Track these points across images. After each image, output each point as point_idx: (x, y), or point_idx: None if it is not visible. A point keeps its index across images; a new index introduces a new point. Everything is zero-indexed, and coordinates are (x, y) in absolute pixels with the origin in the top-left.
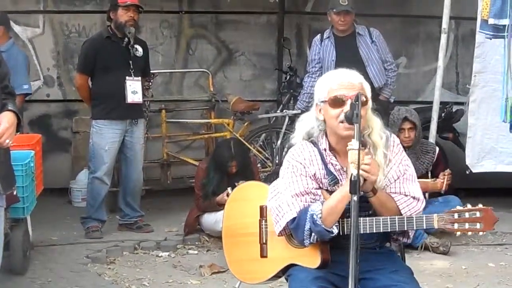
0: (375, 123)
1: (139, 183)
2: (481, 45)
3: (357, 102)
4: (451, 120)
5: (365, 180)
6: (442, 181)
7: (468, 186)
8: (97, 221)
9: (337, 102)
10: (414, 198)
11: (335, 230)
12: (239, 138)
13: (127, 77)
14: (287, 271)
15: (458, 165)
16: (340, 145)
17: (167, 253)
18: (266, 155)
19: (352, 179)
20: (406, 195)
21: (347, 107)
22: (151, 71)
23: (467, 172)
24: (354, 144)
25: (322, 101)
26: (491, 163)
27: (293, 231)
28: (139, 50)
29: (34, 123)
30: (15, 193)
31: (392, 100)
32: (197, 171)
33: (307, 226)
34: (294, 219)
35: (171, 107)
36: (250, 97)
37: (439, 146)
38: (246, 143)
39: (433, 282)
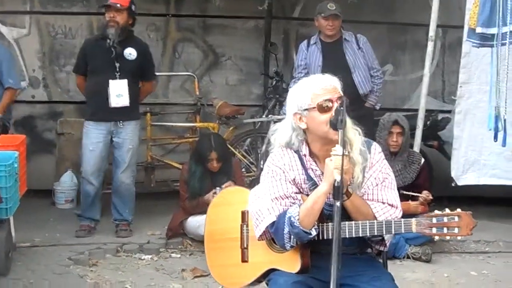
0: (348, 121)
1: (122, 184)
2: (466, 55)
3: (341, 108)
4: (437, 128)
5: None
6: (423, 205)
7: (452, 194)
8: (89, 220)
9: (325, 107)
10: (391, 205)
11: (314, 232)
12: (220, 135)
13: (110, 80)
14: (267, 275)
15: (442, 173)
16: (323, 151)
17: (150, 256)
18: (251, 160)
19: (336, 184)
20: (383, 203)
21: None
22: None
23: (453, 184)
24: (338, 149)
25: (306, 109)
26: (474, 175)
27: (274, 235)
28: (132, 53)
29: (18, 124)
30: None
31: (377, 107)
32: (181, 172)
33: (286, 229)
34: (273, 223)
35: (156, 110)
36: (236, 101)
37: (424, 154)
38: (231, 148)
39: None
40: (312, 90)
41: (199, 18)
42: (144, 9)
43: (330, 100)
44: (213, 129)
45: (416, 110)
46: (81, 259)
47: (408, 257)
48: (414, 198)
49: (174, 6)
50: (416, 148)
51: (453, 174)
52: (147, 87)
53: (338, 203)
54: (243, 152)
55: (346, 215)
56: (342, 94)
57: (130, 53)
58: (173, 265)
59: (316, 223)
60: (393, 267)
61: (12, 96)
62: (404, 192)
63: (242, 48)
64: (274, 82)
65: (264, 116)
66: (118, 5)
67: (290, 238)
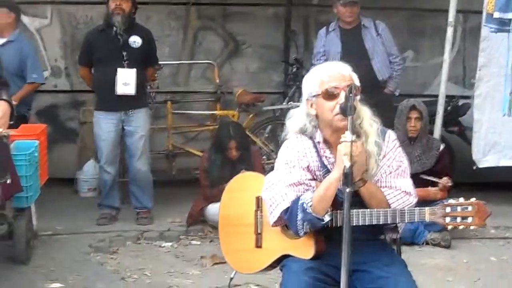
0: (365, 112)
1: (140, 172)
2: (485, 39)
3: (351, 94)
4: (457, 114)
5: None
6: (443, 191)
7: (474, 180)
8: (109, 207)
9: (330, 94)
10: (405, 192)
11: (326, 218)
12: (240, 123)
13: (118, 69)
14: (281, 261)
15: (464, 159)
16: (334, 137)
17: (170, 244)
18: (271, 148)
19: (345, 171)
20: (397, 189)
21: (341, 99)
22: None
23: (474, 168)
24: (348, 136)
25: (314, 95)
26: (495, 157)
27: (288, 222)
28: (137, 41)
29: (41, 114)
30: (8, 181)
31: (397, 94)
32: (201, 160)
33: (299, 216)
34: (287, 209)
35: (177, 98)
36: (257, 89)
37: (445, 140)
38: (251, 135)
39: (434, 275)
40: (320, 77)
41: (219, 6)
42: None
43: (336, 88)
44: (233, 117)
45: (437, 96)
46: (101, 246)
47: (427, 243)
48: (434, 184)
49: None
50: (437, 134)
51: (474, 157)
52: (150, 73)
53: (348, 189)
54: (264, 140)
55: (361, 202)
56: (353, 81)
57: (135, 40)
58: (192, 252)
59: (329, 209)
60: (412, 253)
61: (32, 89)
62: (424, 177)
63: (262, 35)
64: (294, 69)
65: (284, 103)
66: None
67: (303, 224)
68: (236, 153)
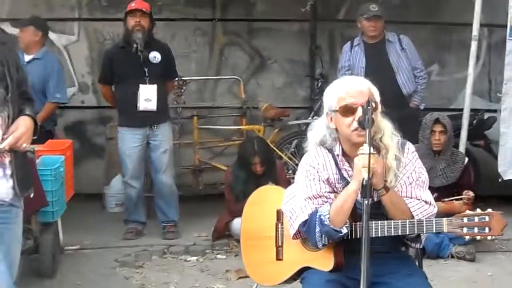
0: (386, 126)
1: (165, 186)
2: (510, 53)
3: (368, 107)
4: (483, 127)
5: (372, 175)
6: (467, 205)
7: (500, 193)
8: (135, 222)
9: (347, 110)
10: (426, 202)
11: (344, 230)
12: (264, 138)
13: (141, 85)
14: (301, 274)
15: (490, 172)
16: (353, 151)
17: (196, 258)
18: (297, 162)
19: (363, 183)
20: (418, 199)
21: (358, 115)
22: (183, 78)
23: (500, 180)
24: (365, 148)
25: (333, 110)
26: None
27: (307, 234)
28: (157, 56)
29: (69, 129)
30: (31, 196)
31: (422, 107)
32: (225, 175)
33: (318, 228)
34: (305, 221)
35: (203, 113)
36: (283, 104)
37: (470, 154)
38: (277, 150)
39: None
40: (338, 92)
41: (244, 22)
42: (190, 14)
43: (353, 104)
44: (258, 132)
45: (462, 110)
46: (127, 261)
47: (453, 257)
48: (457, 200)
49: (220, 11)
50: (462, 148)
51: (500, 170)
52: (170, 86)
53: (366, 201)
54: (289, 154)
55: (382, 213)
56: (372, 96)
57: (155, 56)
58: (218, 266)
59: (348, 221)
60: (437, 266)
61: (54, 108)
62: (445, 200)
63: (288, 50)
64: (319, 84)
65: (310, 117)
66: (144, 9)
67: (322, 236)
68: (261, 168)
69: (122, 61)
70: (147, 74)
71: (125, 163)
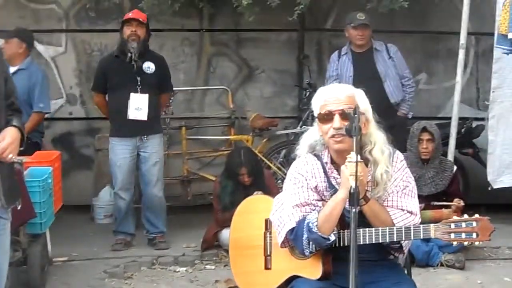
0: (378, 138)
1: (155, 198)
2: (498, 61)
3: (355, 115)
4: (471, 136)
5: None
6: (457, 212)
7: (488, 201)
8: (124, 234)
9: (325, 117)
10: (410, 212)
11: (332, 238)
12: (251, 148)
13: (131, 93)
14: (290, 283)
15: (479, 181)
16: (339, 159)
17: (185, 269)
18: (286, 172)
19: (351, 191)
20: (402, 210)
21: (335, 123)
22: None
23: (489, 189)
24: (353, 156)
25: (317, 117)
26: (509, 177)
27: (293, 242)
28: (151, 67)
29: (57, 141)
30: (19, 207)
31: (410, 116)
32: (214, 185)
33: (305, 236)
34: (293, 229)
35: (192, 124)
36: (271, 113)
37: (459, 162)
38: (266, 159)
39: None
40: (319, 100)
41: (232, 32)
42: (178, 25)
43: (329, 112)
44: (247, 142)
45: (451, 118)
46: (116, 272)
47: (442, 265)
48: (447, 206)
49: (208, 21)
50: (450, 156)
51: (489, 178)
52: (164, 99)
53: (354, 210)
54: (278, 164)
55: (366, 222)
56: (355, 103)
57: (149, 66)
58: (207, 276)
59: (336, 228)
60: (426, 274)
61: (39, 119)
62: (435, 203)
63: (276, 60)
64: (307, 94)
65: (298, 127)
66: (140, 19)
67: (309, 244)
68: (248, 179)
69: (116, 69)
70: (139, 83)
71: (115, 174)
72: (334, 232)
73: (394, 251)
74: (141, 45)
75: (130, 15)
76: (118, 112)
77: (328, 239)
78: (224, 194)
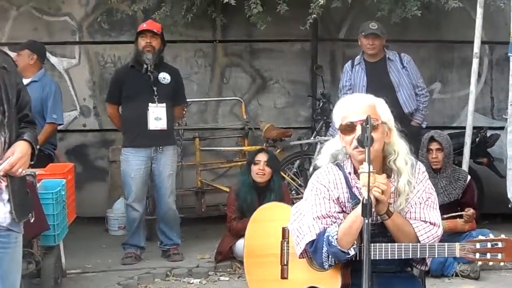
0: (401, 148)
1: (169, 210)
2: None
3: (367, 125)
4: (486, 145)
5: (377, 201)
6: (471, 222)
7: (503, 211)
8: (134, 247)
9: (346, 129)
10: (433, 224)
11: (352, 252)
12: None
13: (150, 104)
14: None
15: (494, 190)
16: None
17: (199, 280)
18: (300, 182)
19: (364, 202)
20: (425, 222)
21: (357, 133)
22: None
23: (510, 206)
24: (365, 167)
25: (338, 129)
26: None
27: (312, 254)
28: (166, 77)
29: (71, 153)
30: (31, 220)
31: (424, 126)
32: (228, 194)
33: (325, 249)
34: (313, 241)
35: (205, 135)
36: (285, 124)
37: (473, 172)
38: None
39: None
40: (339, 112)
41: (245, 43)
42: (191, 36)
43: (351, 123)
44: None
45: (465, 128)
46: (130, 284)
47: (457, 275)
48: (460, 216)
49: (221, 32)
50: (465, 166)
51: (509, 195)
52: (178, 111)
53: (366, 221)
54: (292, 175)
55: (388, 234)
56: (375, 112)
57: (164, 77)
58: None
59: (356, 242)
60: (441, 285)
61: (52, 130)
62: (445, 216)
63: (289, 71)
64: (321, 104)
65: (312, 137)
66: (155, 30)
67: (328, 257)
68: (264, 169)
69: (132, 80)
70: (156, 94)
71: (129, 186)
72: (354, 246)
73: (416, 263)
74: (156, 56)
75: (144, 26)
76: (134, 123)
77: (348, 253)
78: (239, 192)
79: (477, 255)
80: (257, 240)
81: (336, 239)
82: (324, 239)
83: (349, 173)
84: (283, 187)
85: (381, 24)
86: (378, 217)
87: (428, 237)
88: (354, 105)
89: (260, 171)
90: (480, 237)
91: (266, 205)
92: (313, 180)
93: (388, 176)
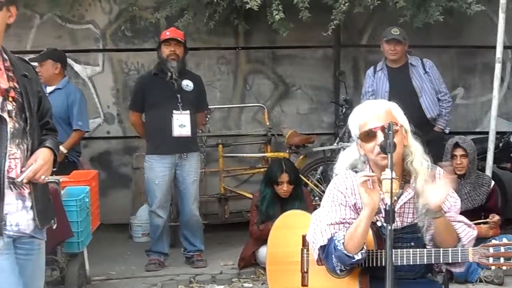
0: (417, 150)
1: (193, 216)
2: None
3: (389, 132)
4: (509, 150)
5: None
6: (495, 228)
7: None
8: (158, 253)
9: (367, 136)
10: (467, 224)
11: (358, 257)
12: (290, 159)
13: (174, 111)
14: None
15: None
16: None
17: (222, 286)
18: (323, 188)
19: (386, 208)
20: (460, 222)
21: (379, 139)
22: (208, 106)
23: None
24: (387, 173)
25: (357, 137)
26: None
27: (325, 260)
28: (189, 85)
29: (95, 160)
30: (54, 227)
31: (447, 131)
32: (252, 198)
33: (334, 253)
34: (324, 246)
35: (228, 141)
36: (308, 130)
37: (497, 177)
38: (303, 177)
39: None
40: (357, 119)
41: (268, 50)
42: (214, 43)
43: (370, 130)
44: None
45: (488, 133)
46: None
47: (481, 281)
48: (484, 222)
49: (243, 39)
50: (488, 171)
51: None
52: (201, 117)
53: (389, 227)
54: (315, 181)
55: (413, 242)
56: (393, 118)
57: (188, 84)
58: None
59: (364, 248)
60: None
61: (79, 137)
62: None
63: (312, 77)
64: (344, 110)
65: (335, 144)
66: (179, 38)
67: (338, 262)
68: (287, 188)
69: (155, 88)
70: (179, 101)
71: (153, 192)
72: (362, 251)
73: (451, 266)
74: (181, 64)
75: (167, 34)
76: (159, 130)
77: (353, 258)
78: (262, 203)
79: (491, 260)
80: (279, 247)
81: (343, 243)
82: (333, 244)
83: None
84: (305, 194)
85: (403, 30)
86: (404, 221)
87: (467, 237)
88: (371, 112)
89: (284, 191)
90: (493, 242)
91: (288, 213)
92: (331, 187)
93: (407, 181)
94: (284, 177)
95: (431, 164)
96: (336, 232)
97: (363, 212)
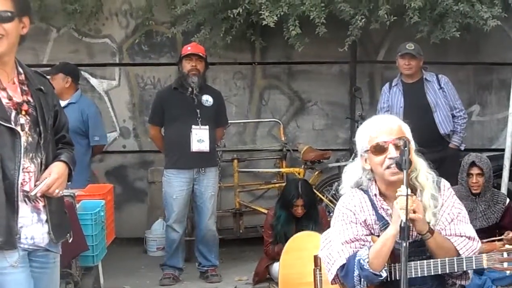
0: (421, 165)
1: (209, 231)
2: None
3: (405, 148)
4: None
5: (414, 221)
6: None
7: None
8: (173, 268)
9: (378, 149)
10: (469, 238)
11: (384, 274)
12: (307, 181)
13: (193, 126)
14: None
15: None
16: (389, 190)
17: None
18: None
19: (402, 225)
20: (461, 236)
21: (390, 153)
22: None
23: None
24: (403, 190)
25: (365, 151)
26: None
27: (344, 279)
28: (209, 100)
29: (110, 174)
30: (70, 241)
31: (462, 148)
32: (266, 217)
33: (356, 272)
34: (343, 266)
35: (244, 156)
36: (323, 146)
37: None
38: (318, 192)
39: None
40: (368, 132)
41: (284, 65)
42: (230, 58)
43: (384, 142)
44: (298, 174)
45: (504, 150)
46: None
47: None
48: (499, 240)
49: (260, 54)
50: (504, 189)
51: None
52: (220, 132)
53: (404, 244)
54: (330, 197)
55: (426, 255)
56: (404, 134)
57: (207, 99)
58: None
59: (386, 264)
60: None
61: (100, 151)
62: (484, 241)
63: (328, 93)
64: (359, 126)
65: (350, 159)
66: (200, 53)
67: (360, 280)
68: (302, 211)
69: (175, 102)
70: (199, 116)
71: (170, 207)
72: (385, 268)
73: (456, 278)
74: (201, 79)
75: (189, 49)
76: (177, 144)
77: (380, 276)
78: (277, 225)
79: (505, 264)
80: (291, 269)
81: (368, 262)
82: (355, 263)
83: (375, 195)
84: (320, 214)
85: (418, 45)
86: (414, 237)
87: (467, 251)
88: (385, 125)
89: (298, 213)
90: (508, 246)
91: (298, 235)
92: (339, 206)
93: (413, 194)
94: (299, 201)
95: (436, 177)
96: (356, 250)
97: (390, 231)
